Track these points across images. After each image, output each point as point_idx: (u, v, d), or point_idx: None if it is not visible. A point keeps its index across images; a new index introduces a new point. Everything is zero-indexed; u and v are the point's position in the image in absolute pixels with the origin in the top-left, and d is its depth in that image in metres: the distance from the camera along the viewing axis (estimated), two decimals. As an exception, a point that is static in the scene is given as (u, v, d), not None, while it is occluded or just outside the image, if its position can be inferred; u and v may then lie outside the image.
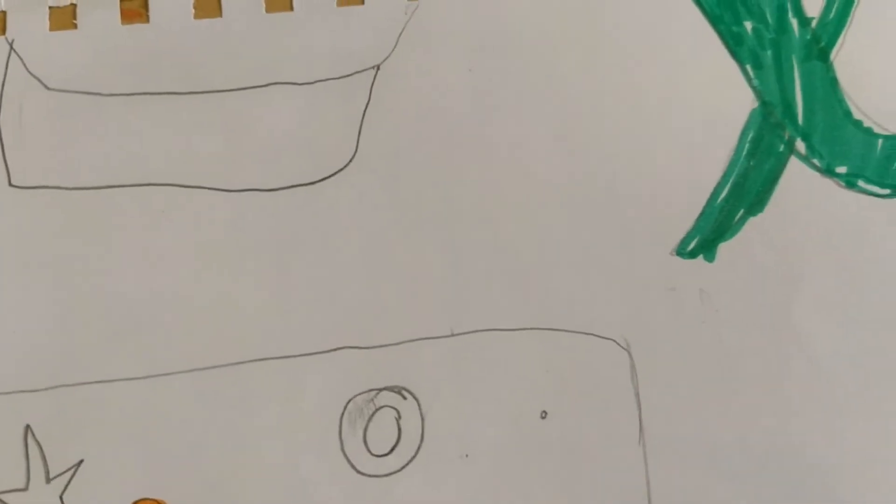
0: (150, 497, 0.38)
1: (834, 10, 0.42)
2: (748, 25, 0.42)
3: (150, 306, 0.39)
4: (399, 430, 0.39)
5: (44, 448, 0.38)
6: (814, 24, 0.42)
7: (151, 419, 0.38)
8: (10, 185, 0.40)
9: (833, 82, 0.42)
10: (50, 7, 0.42)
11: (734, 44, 0.42)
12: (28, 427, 0.38)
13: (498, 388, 0.39)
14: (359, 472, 0.39)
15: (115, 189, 0.40)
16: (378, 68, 0.41)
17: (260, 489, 0.38)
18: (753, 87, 0.42)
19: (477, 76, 0.41)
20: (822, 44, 0.42)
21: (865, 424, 0.39)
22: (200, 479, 0.38)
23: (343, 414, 0.39)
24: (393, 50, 0.41)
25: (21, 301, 0.39)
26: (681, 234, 0.40)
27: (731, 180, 0.41)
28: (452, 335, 0.39)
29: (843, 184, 0.41)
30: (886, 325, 0.40)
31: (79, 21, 0.41)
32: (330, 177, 0.40)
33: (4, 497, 0.38)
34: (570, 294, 0.40)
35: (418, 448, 0.39)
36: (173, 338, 0.39)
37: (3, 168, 0.40)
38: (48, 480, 0.38)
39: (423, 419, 0.39)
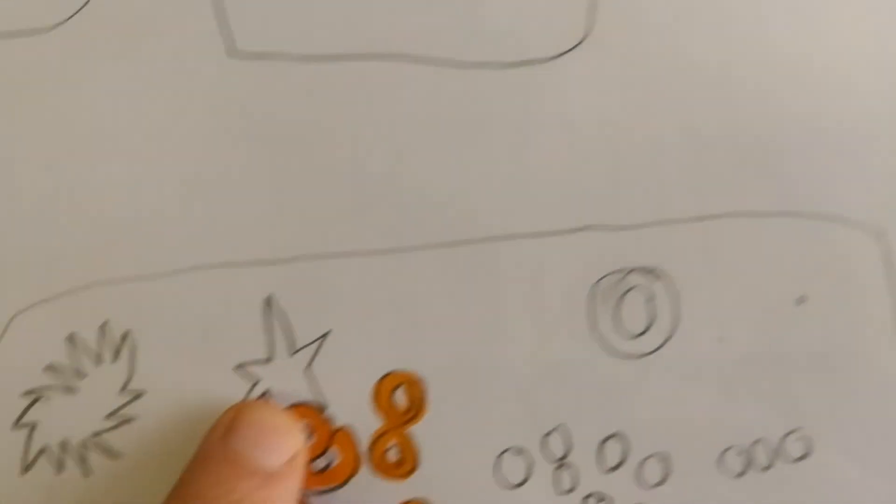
0: (400, 370, 0.37)
1: None
2: None
3: (387, 180, 0.38)
4: (650, 312, 0.38)
5: (287, 319, 0.37)
6: None
7: (397, 293, 0.38)
8: (232, 52, 0.38)
9: None
10: None
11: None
12: (270, 297, 0.37)
13: (750, 272, 0.38)
14: (611, 354, 0.38)
15: (343, 61, 0.38)
16: (614, -59, 0.39)
17: (511, 369, 0.38)
18: None
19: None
20: None
21: None
22: (451, 355, 0.38)
23: (592, 294, 0.38)
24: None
25: (252, 174, 0.38)
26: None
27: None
28: (701, 218, 0.38)
29: None
30: None
31: None
32: (565, 53, 0.39)
33: (248, 368, 0.37)
34: (819, 180, 0.38)
35: (670, 331, 0.38)
36: (413, 212, 0.38)
37: (225, 34, 0.38)
38: (293, 352, 0.37)
39: (674, 301, 0.38)
